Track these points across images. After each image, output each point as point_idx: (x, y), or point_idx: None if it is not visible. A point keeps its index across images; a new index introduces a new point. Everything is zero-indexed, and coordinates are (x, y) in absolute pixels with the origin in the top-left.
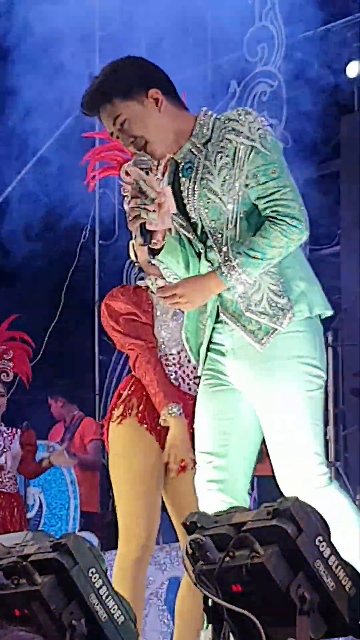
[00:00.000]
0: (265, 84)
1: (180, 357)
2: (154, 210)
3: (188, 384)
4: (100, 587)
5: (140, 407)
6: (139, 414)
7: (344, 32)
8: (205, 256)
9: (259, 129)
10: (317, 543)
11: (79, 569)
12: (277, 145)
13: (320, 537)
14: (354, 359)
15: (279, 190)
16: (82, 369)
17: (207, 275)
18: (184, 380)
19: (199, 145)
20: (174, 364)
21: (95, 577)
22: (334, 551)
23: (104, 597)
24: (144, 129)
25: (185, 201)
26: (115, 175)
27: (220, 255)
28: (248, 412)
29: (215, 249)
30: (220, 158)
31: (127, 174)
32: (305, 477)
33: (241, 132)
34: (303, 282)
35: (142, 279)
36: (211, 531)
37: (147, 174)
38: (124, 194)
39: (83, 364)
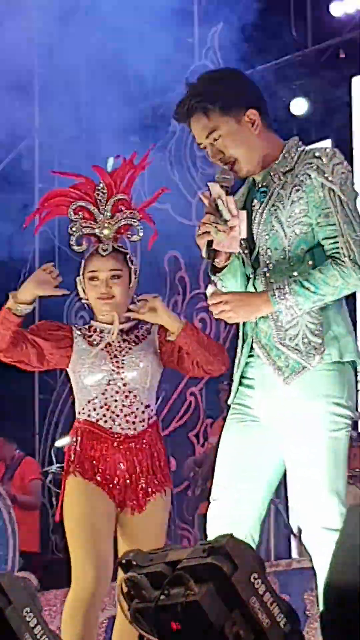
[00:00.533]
0: None
1: (106, 398)
2: (224, 231)
3: (119, 424)
4: (35, 626)
5: (78, 459)
6: (78, 466)
7: (284, 70)
8: (254, 282)
9: (342, 172)
10: (252, 580)
11: (13, 608)
12: (354, 192)
13: (255, 574)
14: None
15: (345, 234)
16: (21, 409)
17: (259, 293)
18: (114, 420)
19: (279, 173)
20: (102, 407)
21: (29, 617)
22: (269, 588)
23: (38, 637)
24: (237, 148)
25: (257, 221)
26: (63, 215)
27: (265, 284)
28: (272, 448)
29: (262, 277)
30: (297, 191)
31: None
32: (322, 516)
33: (323, 172)
34: (340, 327)
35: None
36: (147, 569)
37: (227, 193)
38: (70, 232)
39: (23, 404)
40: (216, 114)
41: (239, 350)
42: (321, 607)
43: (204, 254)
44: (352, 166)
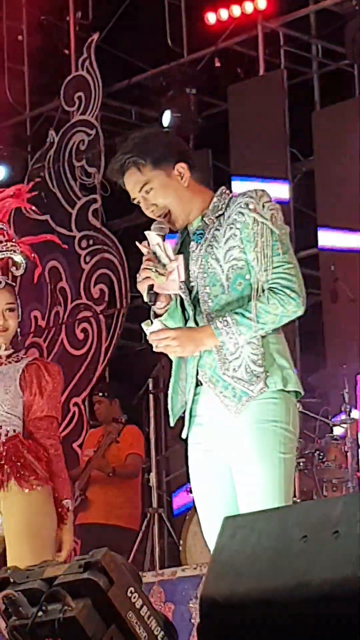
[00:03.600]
0: (83, 132)
1: None
2: (162, 274)
3: None
4: (141, 606)
5: None
6: None
7: (159, 80)
8: (195, 319)
9: (271, 209)
10: (129, 594)
11: (117, 588)
12: (285, 227)
13: (132, 588)
14: None
15: (283, 265)
16: None
17: (201, 327)
18: None
19: (212, 217)
20: None
21: (134, 597)
22: (146, 601)
23: (145, 618)
24: (168, 200)
25: (190, 266)
26: None
27: (207, 319)
28: (229, 475)
29: (203, 314)
30: (230, 229)
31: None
32: None
33: (255, 209)
34: (282, 359)
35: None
36: (23, 586)
37: (163, 240)
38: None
39: None
40: (147, 168)
41: (178, 389)
42: None
43: (145, 299)
44: (229, 174)
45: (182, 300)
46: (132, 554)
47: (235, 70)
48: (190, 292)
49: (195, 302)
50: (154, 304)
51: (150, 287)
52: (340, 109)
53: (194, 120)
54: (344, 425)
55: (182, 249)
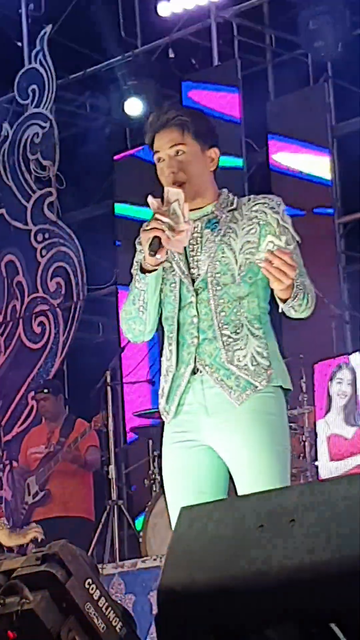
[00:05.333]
0: (37, 125)
1: None
2: (173, 231)
3: None
4: (99, 598)
5: None
6: None
7: (114, 72)
8: (196, 305)
9: (289, 218)
10: (86, 586)
11: (74, 580)
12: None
13: (89, 580)
14: (134, 398)
15: (303, 271)
16: None
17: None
18: None
19: (223, 210)
20: None
21: (92, 589)
22: (104, 593)
23: (103, 609)
24: (192, 171)
25: (193, 254)
26: None
27: (213, 307)
28: (219, 468)
29: (211, 299)
30: (250, 225)
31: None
32: None
33: (278, 212)
34: (279, 357)
35: None
36: None
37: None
38: None
39: None
40: (190, 134)
41: (168, 379)
42: None
43: (145, 248)
44: None
45: (180, 284)
46: (92, 546)
47: (189, 61)
48: (193, 280)
49: (199, 288)
50: (153, 255)
51: (158, 238)
52: (294, 98)
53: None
54: (302, 415)
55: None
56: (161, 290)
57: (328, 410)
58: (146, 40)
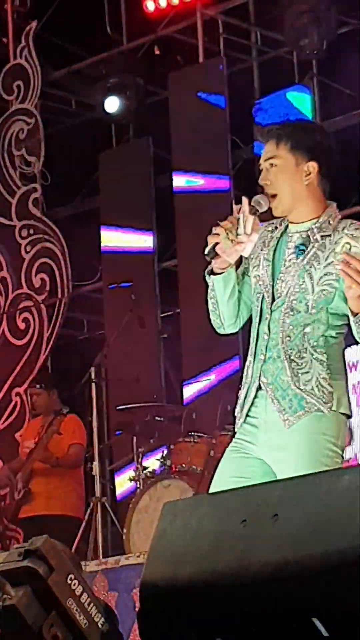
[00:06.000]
0: (22, 121)
1: None
2: (232, 240)
3: None
4: (81, 594)
5: None
6: None
7: (99, 68)
8: (269, 323)
9: None
10: (69, 581)
11: (56, 575)
12: None
13: (72, 575)
14: (117, 394)
15: None
16: None
17: None
18: None
19: (317, 236)
20: None
21: (74, 584)
22: (86, 588)
23: (85, 605)
24: (281, 184)
25: (282, 271)
26: None
27: (280, 329)
28: (264, 476)
29: (281, 322)
30: (334, 256)
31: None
32: None
33: None
34: (343, 381)
35: None
36: None
37: (253, 213)
38: None
39: None
40: (285, 148)
41: (243, 389)
42: None
43: (206, 251)
44: (170, 162)
45: (262, 298)
46: (75, 543)
47: (175, 58)
48: (273, 298)
49: (275, 308)
50: (209, 261)
51: (215, 244)
52: (280, 96)
53: (134, 108)
54: None
55: (278, 248)
56: (252, 294)
57: None
58: (132, 37)
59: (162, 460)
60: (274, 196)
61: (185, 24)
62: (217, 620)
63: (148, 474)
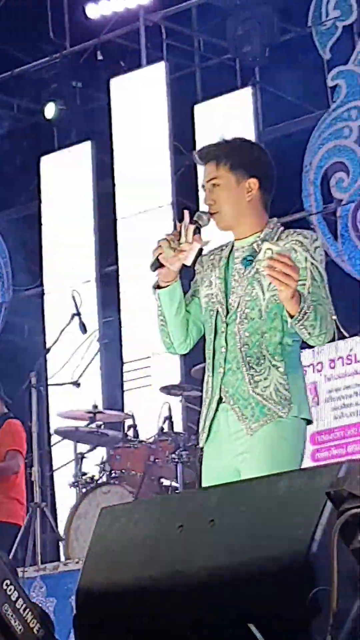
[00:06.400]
0: None
1: None
2: (174, 249)
3: None
4: (17, 599)
5: None
6: None
7: (41, 72)
8: (225, 336)
9: (321, 254)
10: (4, 587)
11: None
12: (325, 273)
13: (7, 581)
14: (58, 400)
15: (327, 303)
16: None
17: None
18: None
19: (261, 245)
20: None
21: (10, 590)
22: (22, 594)
23: (21, 611)
24: (224, 203)
25: (233, 285)
26: None
27: (238, 339)
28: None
29: (237, 332)
30: None
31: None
32: None
33: (308, 249)
34: (302, 387)
35: None
36: None
37: (195, 226)
38: None
39: None
40: (225, 168)
41: (205, 405)
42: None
43: (150, 264)
44: (112, 166)
45: (217, 314)
46: (13, 549)
47: (117, 63)
48: (228, 311)
49: (230, 320)
50: (154, 271)
51: (157, 258)
52: (222, 102)
53: (77, 112)
54: None
55: (228, 267)
56: (204, 314)
57: None
58: (75, 41)
59: (101, 465)
60: (215, 213)
61: (128, 29)
62: (153, 626)
63: (88, 480)
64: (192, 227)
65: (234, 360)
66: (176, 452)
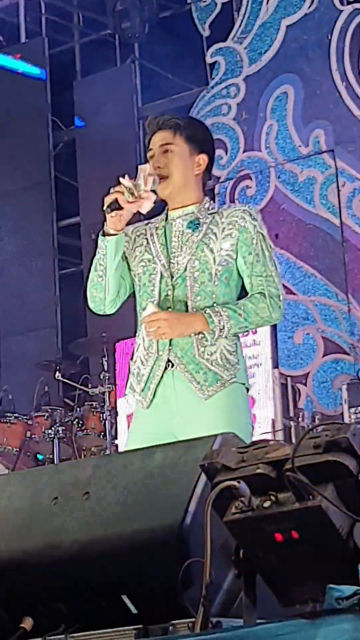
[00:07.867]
0: None
1: None
2: (132, 194)
3: None
4: None
5: None
6: None
7: None
8: (173, 292)
9: (264, 227)
10: None
11: None
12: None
13: None
14: None
15: (272, 275)
16: None
17: (193, 313)
18: None
19: (204, 213)
20: None
21: None
22: None
23: None
24: (175, 169)
25: (177, 247)
26: None
27: (189, 303)
28: None
29: (188, 292)
30: (229, 228)
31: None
32: None
33: (255, 220)
34: (242, 353)
35: None
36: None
37: (152, 178)
38: None
39: None
40: (181, 137)
41: (146, 365)
42: None
43: (105, 207)
44: None
45: (160, 277)
46: None
47: None
48: (172, 275)
49: (176, 283)
50: (109, 213)
51: (116, 200)
52: (101, 78)
53: None
54: (103, 394)
55: (166, 232)
56: (140, 278)
57: None
58: None
59: None
60: (164, 178)
61: (7, 3)
62: (27, 599)
63: None
64: (152, 178)
65: None
66: (52, 428)
